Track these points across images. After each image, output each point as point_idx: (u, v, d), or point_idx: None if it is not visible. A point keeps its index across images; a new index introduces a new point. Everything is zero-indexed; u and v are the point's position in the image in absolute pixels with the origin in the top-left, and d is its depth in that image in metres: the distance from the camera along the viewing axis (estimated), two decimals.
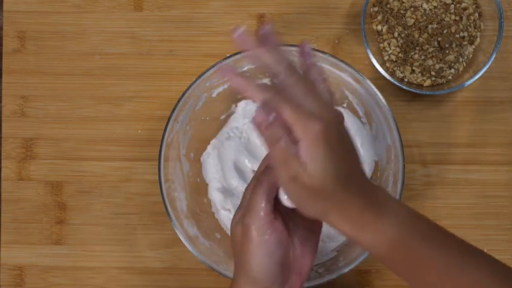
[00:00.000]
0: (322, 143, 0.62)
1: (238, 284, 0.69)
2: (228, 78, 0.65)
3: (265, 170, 0.70)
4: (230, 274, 0.79)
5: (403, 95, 0.88)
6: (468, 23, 0.86)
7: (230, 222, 0.74)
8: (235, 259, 0.71)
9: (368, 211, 0.64)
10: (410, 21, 0.85)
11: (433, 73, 0.86)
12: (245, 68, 0.84)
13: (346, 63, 0.81)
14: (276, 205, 0.69)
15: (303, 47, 0.68)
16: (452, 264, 0.64)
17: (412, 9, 0.86)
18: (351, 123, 0.86)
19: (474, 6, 0.86)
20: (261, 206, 0.68)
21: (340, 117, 0.67)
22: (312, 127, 0.62)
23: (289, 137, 0.62)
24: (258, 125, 0.63)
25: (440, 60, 0.86)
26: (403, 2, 0.86)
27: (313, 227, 0.72)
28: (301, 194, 0.64)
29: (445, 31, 0.85)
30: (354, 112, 0.86)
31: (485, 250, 0.64)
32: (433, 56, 0.86)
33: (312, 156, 0.62)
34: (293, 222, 0.71)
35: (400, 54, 0.86)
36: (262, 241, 0.68)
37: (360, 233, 0.64)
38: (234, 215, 0.72)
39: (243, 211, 0.70)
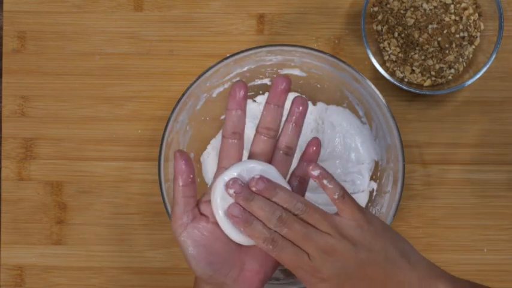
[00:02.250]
0: None
1: (196, 283, 0.71)
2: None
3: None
4: None
5: (403, 95, 0.88)
6: (468, 23, 0.86)
7: None
8: None
9: None
10: (410, 21, 0.85)
11: (433, 73, 0.86)
12: (245, 68, 0.84)
13: (346, 63, 0.81)
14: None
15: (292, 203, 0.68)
16: None
17: (412, 9, 0.86)
18: (351, 123, 0.86)
19: (474, 6, 0.86)
20: (174, 210, 0.69)
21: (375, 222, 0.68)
22: None
23: None
24: None
25: (440, 60, 0.86)
26: (403, 2, 0.86)
27: None
28: None
29: (445, 31, 0.85)
30: (354, 112, 0.86)
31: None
32: (433, 56, 0.86)
33: None
34: None
35: (400, 54, 0.86)
36: (182, 243, 0.69)
37: None
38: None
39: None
